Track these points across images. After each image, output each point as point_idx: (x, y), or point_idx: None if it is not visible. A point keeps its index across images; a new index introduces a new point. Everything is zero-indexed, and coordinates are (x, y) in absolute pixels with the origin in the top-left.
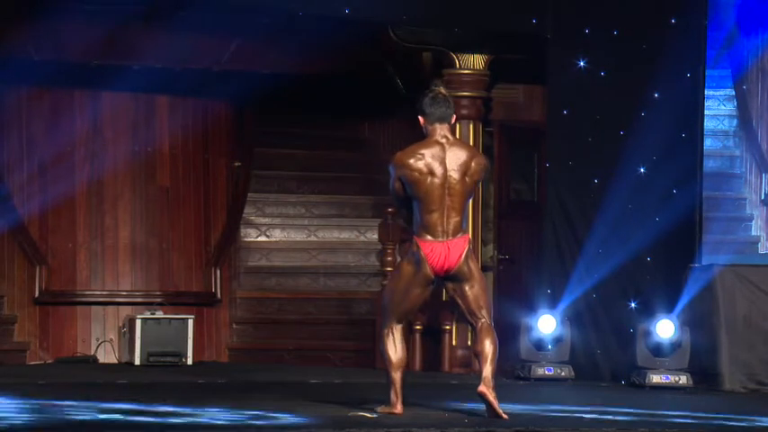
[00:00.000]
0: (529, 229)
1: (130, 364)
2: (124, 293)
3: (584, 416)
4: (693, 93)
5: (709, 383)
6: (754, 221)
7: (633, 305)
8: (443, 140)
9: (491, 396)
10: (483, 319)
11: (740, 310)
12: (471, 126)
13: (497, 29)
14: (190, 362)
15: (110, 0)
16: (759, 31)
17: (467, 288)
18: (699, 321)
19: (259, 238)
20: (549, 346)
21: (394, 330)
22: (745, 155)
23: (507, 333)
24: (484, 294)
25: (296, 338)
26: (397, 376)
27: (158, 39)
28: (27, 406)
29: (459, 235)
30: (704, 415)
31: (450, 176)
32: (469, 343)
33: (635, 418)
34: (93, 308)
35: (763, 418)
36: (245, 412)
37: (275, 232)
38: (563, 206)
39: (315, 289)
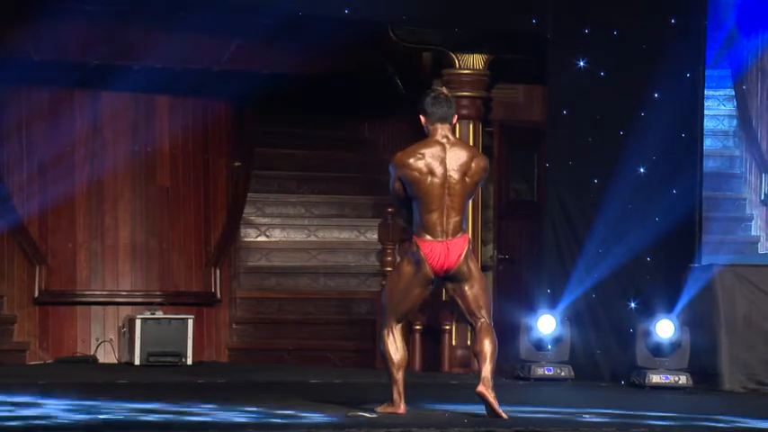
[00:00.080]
0: (529, 229)
1: (130, 364)
2: (124, 293)
3: (583, 416)
4: (693, 93)
5: (708, 383)
6: (753, 221)
7: (633, 305)
8: (444, 140)
9: (490, 396)
10: (482, 319)
11: (740, 310)
12: (471, 126)
13: (497, 29)
14: (189, 362)
15: (110, 0)
16: (759, 31)
17: (466, 288)
18: (699, 321)
19: (259, 238)
20: (549, 346)
21: (394, 330)
22: (744, 155)
23: (507, 333)
24: (483, 294)
25: (296, 338)
26: (399, 376)
27: (158, 39)
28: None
29: (458, 235)
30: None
31: (450, 176)
32: (469, 343)
33: (635, 419)
34: (93, 308)
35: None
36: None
37: (275, 232)
38: (563, 206)
39: (315, 289)
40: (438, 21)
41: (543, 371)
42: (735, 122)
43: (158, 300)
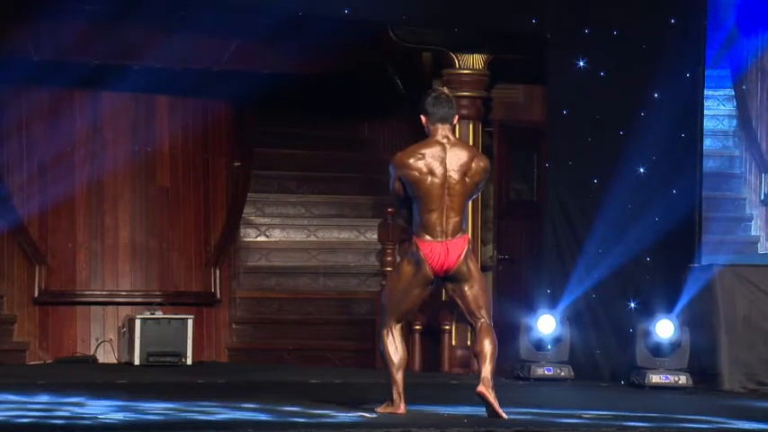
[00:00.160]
0: (529, 229)
1: (130, 364)
2: (124, 293)
3: (583, 416)
4: (693, 93)
5: (708, 383)
6: (753, 221)
7: (633, 305)
8: (444, 141)
9: (490, 396)
10: (482, 320)
11: (740, 310)
12: (471, 126)
13: (497, 29)
14: (189, 362)
15: (110, 0)
16: (759, 31)
17: (466, 288)
18: (698, 321)
19: (259, 238)
20: (549, 346)
21: (393, 330)
22: (744, 155)
23: (507, 333)
24: (483, 294)
25: (296, 338)
26: (398, 376)
27: (158, 39)
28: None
29: (458, 235)
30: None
31: (450, 176)
32: (469, 343)
33: (635, 419)
34: (93, 308)
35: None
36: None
37: (275, 232)
38: (563, 206)
39: (315, 289)
40: (438, 21)
41: (543, 371)
42: (734, 122)
43: (158, 300)
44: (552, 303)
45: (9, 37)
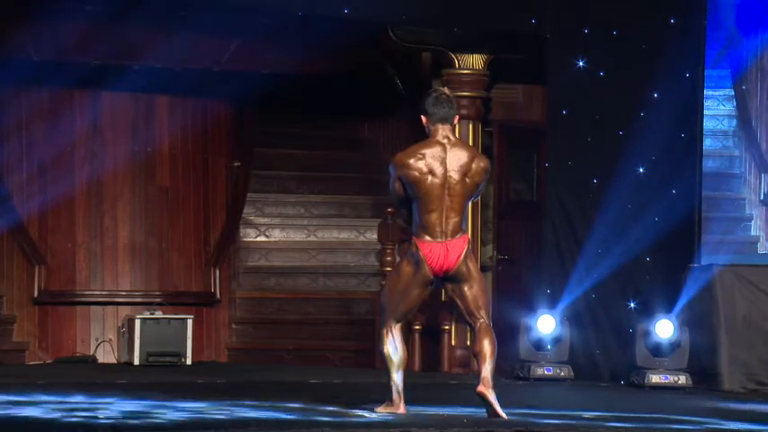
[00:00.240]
0: (528, 229)
1: (129, 364)
2: (123, 293)
3: (583, 416)
4: (693, 93)
5: (708, 383)
6: (753, 221)
7: (632, 305)
8: (445, 141)
9: (490, 396)
10: (482, 320)
11: (740, 310)
12: (471, 126)
13: (497, 29)
14: (189, 362)
15: (110, 0)
16: (758, 31)
17: (466, 288)
18: (698, 321)
19: (258, 238)
20: (549, 346)
21: (393, 330)
22: (744, 155)
23: (507, 333)
24: (483, 295)
25: (295, 338)
26: (398, 376)
27: (158, 39)
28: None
29: (458, 235)
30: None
31: (451, 177)
32: (469, 343)
33: (634, 419)
34: (93, 308)
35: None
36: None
37: (275, 232)
38: (563, 206)
39: (314, 289)
40: (438, 21)
41: (543, 371)
42: (734, 122)
43: (158, 300)
44: (552, 303)
45: (9, 37)
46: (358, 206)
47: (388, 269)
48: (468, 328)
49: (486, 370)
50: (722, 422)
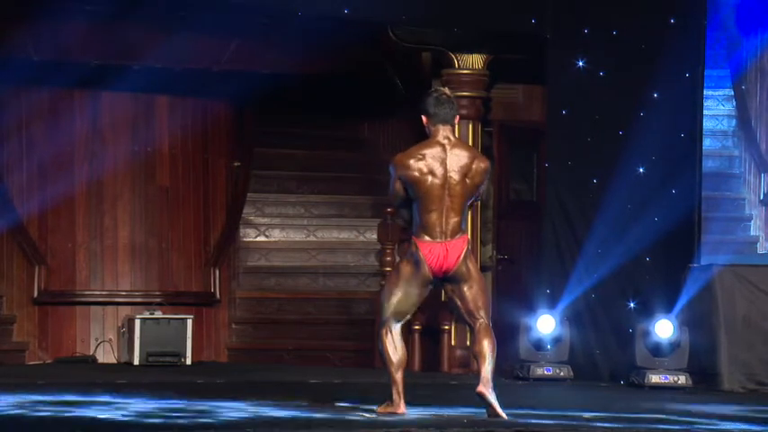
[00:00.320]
0: (528, 229)
1: (129, 364)
2: (123, 293)
3: (583, 416)
4: (692, 93)
5: (708, 383)
6: (753, 221)
7: (632, 305)
8: (445, 141)
9: (490, 396)
10: (481, 320)
11: (739, 310)
12: (471, 126)
13: (497, 29)
14: (189, 362)
15: (110, 0)
16: (758, 31)
17: (465, 289)
18: (698, 321)
19: (258, 238)
20: (549, 346)
21: (392, 330)
22: (744, 155)
23: (506, 333)
24: (482, 295)
25: (295, 338)
26: (398, 376)
27: (158, 39)
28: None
29: (457, 236)
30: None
31: (451, 177)
32: (468, 343)
33: (634, 420)
34: (93, 308)
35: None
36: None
37: (274, 232)
38: (563, 206)
39: (314, 289)
40: (438, 21)
41: (542, 371)
42: (734, 122)
43: (158, 300)
44: (552, 303)
45: (9, 37)
46: (358, 206)
47: (388, 269)
48: (468, 328)
49: (486, 370)
50: (722, 422)
